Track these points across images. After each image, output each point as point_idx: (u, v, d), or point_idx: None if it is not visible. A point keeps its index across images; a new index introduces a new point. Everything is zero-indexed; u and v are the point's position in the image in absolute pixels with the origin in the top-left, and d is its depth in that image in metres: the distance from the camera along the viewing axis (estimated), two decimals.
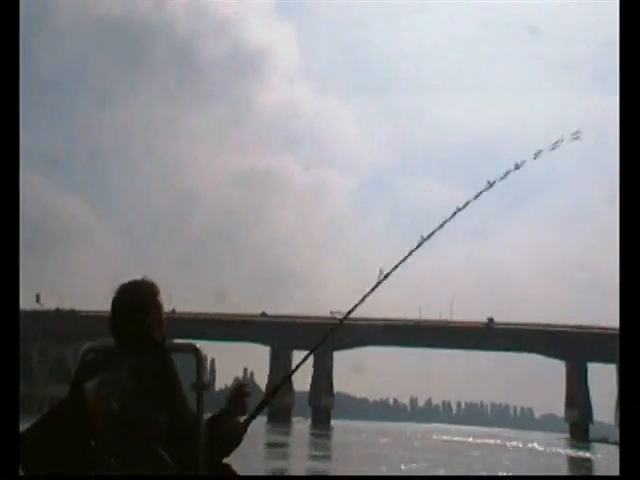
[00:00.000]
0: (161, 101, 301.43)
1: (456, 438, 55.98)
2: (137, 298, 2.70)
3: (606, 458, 43.37)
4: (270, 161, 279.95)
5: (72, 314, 74.63)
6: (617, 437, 78.01)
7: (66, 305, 78.72)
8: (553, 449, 47.26)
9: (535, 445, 48.50)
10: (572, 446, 56.36)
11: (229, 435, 2.73)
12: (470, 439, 54.65)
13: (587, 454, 46.46)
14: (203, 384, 2.52)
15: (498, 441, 53.12)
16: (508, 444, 50.03)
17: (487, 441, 52.53)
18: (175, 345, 2.59)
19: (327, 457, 25.97)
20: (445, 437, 54.68)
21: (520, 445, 49.75)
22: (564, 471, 32.59)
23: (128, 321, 2.61)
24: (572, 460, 40.14)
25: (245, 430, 2.81)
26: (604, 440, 75.61)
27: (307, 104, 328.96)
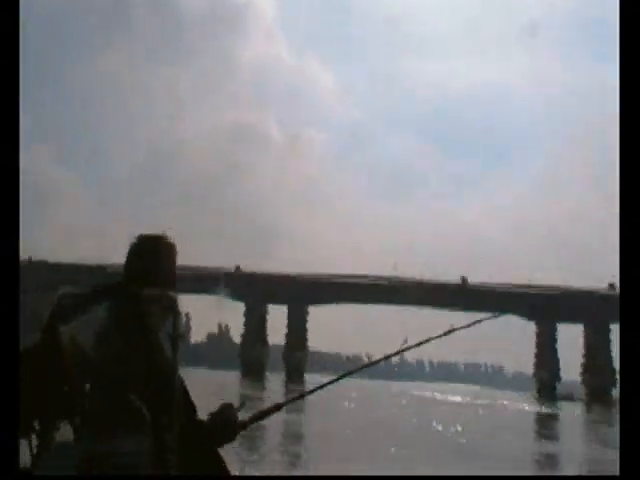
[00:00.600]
0: (140, 56, 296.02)
1: (427, 394, 56.96)
2: (157, 252, 2.74)
3: (570, 414, 44.63)
4: (249, 117, 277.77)
5: (45, 265, 74.10)
6: (582, 394, 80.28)
7: (38, 257, 78.16)
8: (520, 406, 48.34)
9: (504, 402, 49.56)
10: (539, 403, 57.66)
11: (224, 430, 2.73)
12: (438, 395, 55.67)
13: (553, 411, 47.59)
14: (179, 334, 2.51)
15: (468, 398, 54.20)
16: (478, 401, 51.07)
17: (456, 399, 53.57)
18: (151, 294, 2.57)
19: (299, 410, 26.46)
20: (417, 393, 55.61)
21: (489, 402, 50.79)
22: (530, 426, 33.46)
23: (142, 271, 2.62)
24: (539, 416, 41.16)
25: (242, 429, 2.80)
26: (570, 397, 77.65)
27: (287, 61, 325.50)
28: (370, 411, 27.09)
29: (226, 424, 2.73)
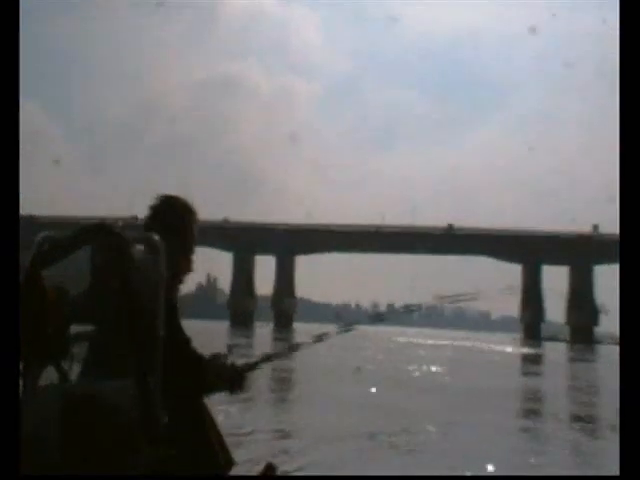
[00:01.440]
0: (124, 7, 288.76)
1: (413, 340, 57.76)
2: (179, 213, 2.84)
3: (553, 353, 45.53)
4: (235, 68, 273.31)
5: (31, 220, 73.63)
6: (566, 335, 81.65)
7: (24, 211, 77.50)
8: (505, 348, 49.20)
9: (491, 346, 50.37)
10: (524, 344, 58.68)
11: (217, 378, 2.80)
12: (429, 341, 56.48)
13: (537, 351, 48.52)
14: (160, 274, 2.46)
15: (454, 342, 55.03)
16: (468, 344, 51.91)
17: (443, 342, 54.38)
18: (134, 235, 2.55)
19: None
20: (402, 339, 56.40)
21: (475, 344, 51.65)
22: (516, 366, 34.14)
23: (164, 231, 2.60)
24: (524, 356, 41.99)
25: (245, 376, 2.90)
26: (554, 338, 79.03)
27: (272, 10, 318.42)
28: (354, 356, 27.61)
29: (218, 374, 2.79)
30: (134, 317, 2.37)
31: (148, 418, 2.30)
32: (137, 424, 2.28)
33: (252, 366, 2.99)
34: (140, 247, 2.49)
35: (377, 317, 4.20)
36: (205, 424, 2.75)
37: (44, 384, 2.30)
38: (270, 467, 3.00)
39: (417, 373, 23.15)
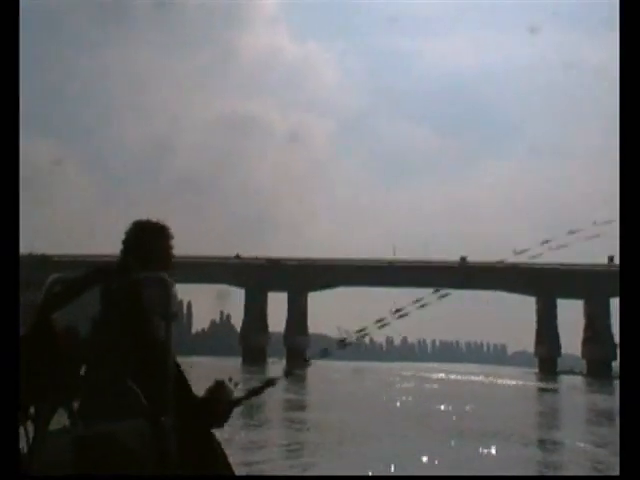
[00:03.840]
0: (143, 46, 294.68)
1: (426, 374, 57.21)
2: (152, 235, 2.78)
3: (569, 387, 45.09)
4: (251, 106, 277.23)
5: (44, 259, 74.06)
6: (582, 368, 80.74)
7: (38, 251, 78.07)
8: (522, 382, 48.63)
9: (506, 381, 49.85)
10: (540, 379, 57.98)
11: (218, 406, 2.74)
12: (441, 375, 55.93)
13: (553, 385, 47.93)
14: (171, 314, 2.47)
15: (471, 377, 54.46)
16: (483, 379, 51.37)
17: (459, 377, 53.81)
18: (143, 275, 2.55)
19: (302, 391, 27.38)
20: (409, 372, 55.94)
21: (491, 380, 51.05)
22: (532, 399, 33.71)
23: (139, 255, 2.63)
24: (540, 390, 41.51)
25: (235, 406, 2.84)
26: (570, 371, 78.17)
27: (288, 49, 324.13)
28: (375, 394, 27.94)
29: (219, 400, 2.73)
30: (145, 357, 2.36)
31: (161, 456, 2.30)
32: (148, 461, 2.27)
33: (237, 401, 2.92)
34: (150, 286, 2.47)
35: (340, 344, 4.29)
36: (213, 454, 2.70)
37: (55, 427, 2.27)
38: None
39: (398, 403, 23.39)
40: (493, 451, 12.67)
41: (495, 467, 11.04)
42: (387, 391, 32.70)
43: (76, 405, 2.30)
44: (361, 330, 3.76)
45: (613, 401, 30.48)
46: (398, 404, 24.48)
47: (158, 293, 2.48)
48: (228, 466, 2.75)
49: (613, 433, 17.26)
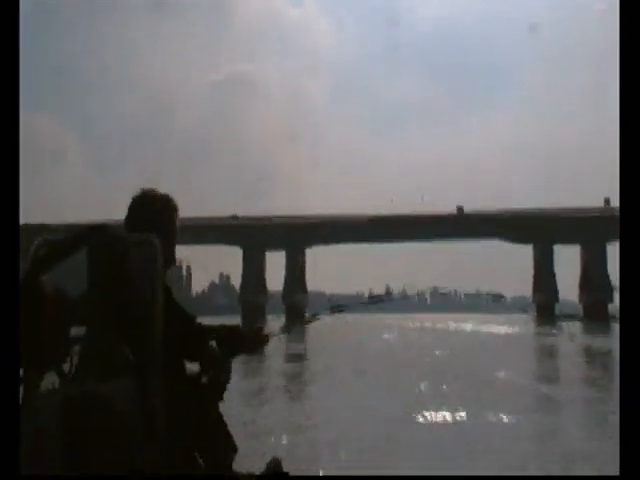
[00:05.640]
0: (137, 10, 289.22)
1: (426, 324, 57.86)
2: (157, 205, 2.86)
3: (567, 331, 45.70)
4: (249, 67, 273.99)
5: (43, 228, 73.98)
6: (580, 313, 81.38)
7: (36, 220, 77.92)
8: (521, 328, 49.20)
9: (505, 328, 50.41)
10: (539, 324, 58.64)
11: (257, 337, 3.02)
12: (439, 325, 56.51)
13: (552, 330, 48.50)
14: (158, 273, 2.47)
15: (471, 325, 55.09)
16: (483, 329, 51.94)
17: (463, 325, 54.44)
18: (131, 237, 2.58)
19: (299, 345, 28.36)
20: (417, 324, 56.59)
21: (479, 328, 51.68)
22: (532, 345, 34.22)
23: (144, 224, 2.69)
24: (538, 335, 42.07)
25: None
26: (568, 317, 78.75)
27: (285, 11, 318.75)
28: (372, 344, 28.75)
29: (257, 331, 3.05)
30: (132, 317, 2.38)
31: (148, 415, 2.32)
32: (137, 421, 2.29)
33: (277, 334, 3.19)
34: (137, 248, 2.49)
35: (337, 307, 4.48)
36: (207, 412, 2.78)
37: (45, 389, 2.28)
38: (276, 462, 3.02)
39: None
40: (422, 387, 13.86)
41: (416, 399, 11.79)
42: (371, 340, 33.80)
43: (66, 367, 2.31)
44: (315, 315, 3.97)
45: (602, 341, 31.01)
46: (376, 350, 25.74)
47: (144, 253, 2.48)
48: (220, 421, 2.83)
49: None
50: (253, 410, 11.03)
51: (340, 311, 4.08)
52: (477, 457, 7.62)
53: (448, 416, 10.15)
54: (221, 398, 2.85)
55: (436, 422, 9.87)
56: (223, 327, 3.04)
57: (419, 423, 9.78)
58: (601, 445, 8.11)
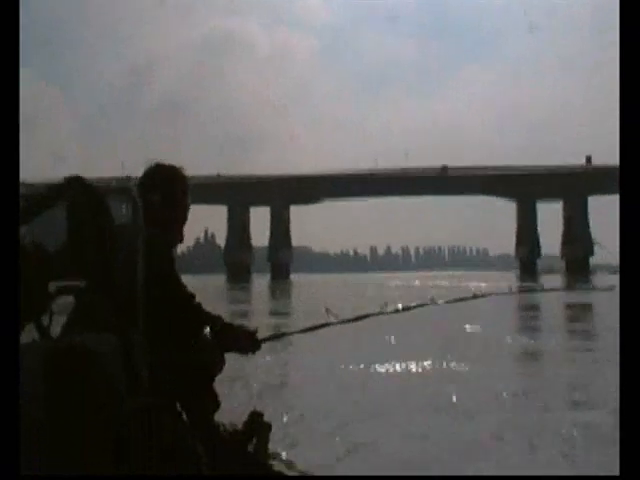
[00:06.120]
0: None
1: (411, 283, 58.50)
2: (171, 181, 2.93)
3: (548, 285, 46.32)
4: (232, 25, 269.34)
5: (29, 188, 73.31)
6: (562, 266, 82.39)
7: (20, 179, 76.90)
8: (502, 284, 49.78)
9: (482, 284, 51.07)
10: (520, 280, 59.41)
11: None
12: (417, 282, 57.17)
13: (535, 285, 49.07)
14: (139, 227, 2.47)
15: (454, 282, 55.74)
16: (464, 284, 52.56)
17: (442, 282, 55.06)
18: (109, 188, 2.58)
19: (285, 298, 28.39)
20: (398, 283, 57.21)
21: (473, 284, 52.35)
22: (509, 301, 34.78)
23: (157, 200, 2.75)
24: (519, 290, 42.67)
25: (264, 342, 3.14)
26: (551, 271, 79.82)
27: None
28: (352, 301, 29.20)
29: (252, 335, 3.07)
30: (112, 272, 2.36)
31: (130, 368, 2.31)
32: (119, 374, 2.28)
33: (270, 338, 3.24)
34: (116, 199, 2.48)
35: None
36: (190, 368, 2.82)
37: (25, 342, 2.24)
38: (257, 414, 3.07)
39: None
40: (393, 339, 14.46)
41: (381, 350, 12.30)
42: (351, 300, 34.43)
43: (45, 321, 2.30)
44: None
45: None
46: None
47: (122, 204, 2.49)
48: (204, 377, 2.91)
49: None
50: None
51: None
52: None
53: (398, 366, 10.70)
54: (211, 380, 2.90)
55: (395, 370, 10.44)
56: (220, 319, 3.09)
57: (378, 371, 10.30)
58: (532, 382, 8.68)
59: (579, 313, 21.91)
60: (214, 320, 3.04)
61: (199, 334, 2.91)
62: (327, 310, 3.64)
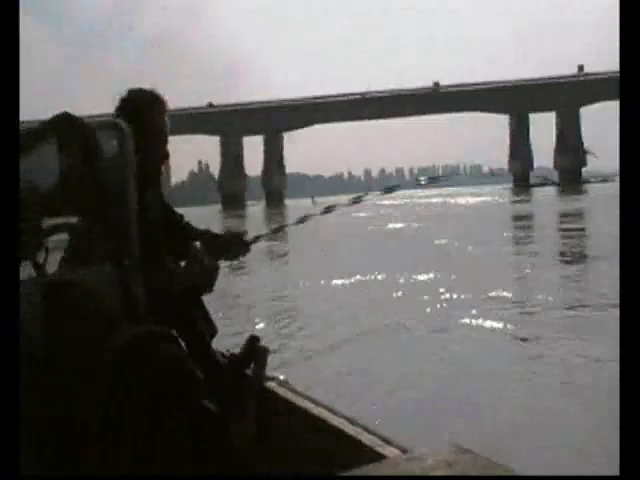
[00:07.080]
0: None
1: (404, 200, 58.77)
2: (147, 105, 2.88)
3: (539, 195, 46.36)
4: None
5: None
6: (555, 177, 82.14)
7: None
8: (494, 198, 50.21)
9: (482, 199, 51.31)
10: (514, 193, 59.59)
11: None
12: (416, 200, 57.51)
13: (525, 197, 49.39)
14: (129, 157, 2.44)
15: (449, 199, 56.01)
16: (459, 200, 52.85)
17: (435, 200, 55.37)
18: (97, 122, 2.54)
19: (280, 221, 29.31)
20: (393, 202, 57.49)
21: (468, 200, 52.69)
22: (507, 210, 35.00)
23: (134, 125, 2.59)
24: (514, 202, 43.00)
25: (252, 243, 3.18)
26: (543, 181, 79.81)
27: None
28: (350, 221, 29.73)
29: (240, 237, 3.15)
30: (104, 204, 2.36)
31: (126, 297, 2.32)
32: (116, 304, 2.30)
33: (256, 239, 3.26)
34: (106, 133, 2.45)
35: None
36: (188, 299, 2.88)
37: (21, 279, 2.21)
38: (254, 338, 3.06)
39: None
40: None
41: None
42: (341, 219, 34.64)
43: (40, 258, 2.30)
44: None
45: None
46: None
47: (111, 137, 2.43)
48: (207, 318, 2.98)
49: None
50: None
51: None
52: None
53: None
54: (209, 290, 2.95)
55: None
56: (208, 232, 3.20)
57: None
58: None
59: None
60: (203, 233, 3.18)
61: (190, 249, 2.99)
62: (313, 200, 3.81)
